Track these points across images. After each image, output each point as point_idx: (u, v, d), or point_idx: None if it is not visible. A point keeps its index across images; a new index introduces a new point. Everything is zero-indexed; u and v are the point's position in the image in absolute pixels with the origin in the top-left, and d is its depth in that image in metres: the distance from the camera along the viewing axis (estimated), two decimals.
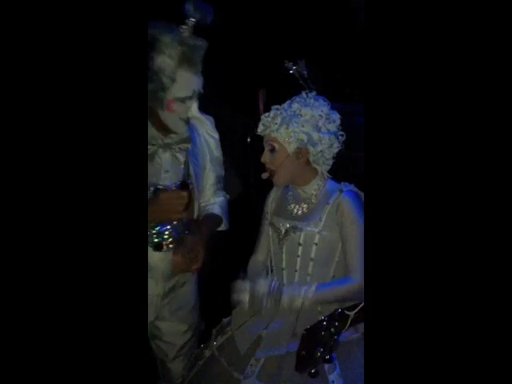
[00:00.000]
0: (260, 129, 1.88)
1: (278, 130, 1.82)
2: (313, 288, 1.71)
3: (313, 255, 1.83)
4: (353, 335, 1.74)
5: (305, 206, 1.89)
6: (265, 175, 1.90)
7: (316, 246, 1.82)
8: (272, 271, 1.96)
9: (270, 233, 1.95)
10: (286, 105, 1.86)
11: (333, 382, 1.67)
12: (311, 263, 1.84)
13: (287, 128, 1.80)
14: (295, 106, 1.83)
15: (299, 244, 1.84)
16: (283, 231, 1.89)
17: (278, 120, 1.83)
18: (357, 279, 1.73)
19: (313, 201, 1.88)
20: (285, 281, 1.89)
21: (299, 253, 1.84)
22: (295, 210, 1.90)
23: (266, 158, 1.87)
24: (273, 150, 1.85)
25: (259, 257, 2.03)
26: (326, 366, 1.68)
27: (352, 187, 1.86)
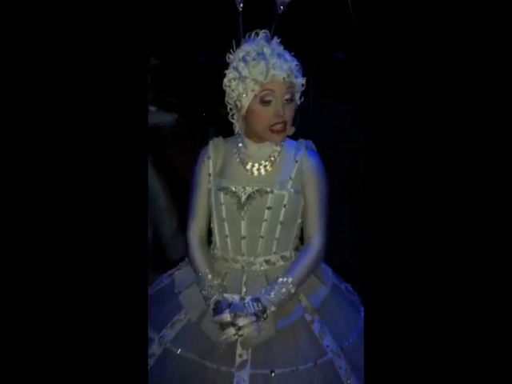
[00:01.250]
0: (282, 74, 1.60)
1: (297, 74, 1.64)
2: (289, 279, 1.61)
3: (282, 218, 1.68)
4: (321, 293, 1.71)
5: (267, 163, 1.71)
6: (276, 129, 1.64)
7: (285, 208, 1.68)
8: (218, 241, 1.75)
9: (221, 199, 1.71)
10: (274, 45, 1.65)
11: (327, 346, 1.64)
12: (279, 227, 1.69)
13: (299, 70, 1.65)
14: (275, 45, 1.65)
15: (268, 208, 1.67)
16: (244, 196, 1.68)
17: (293, 62, 1.64)
18: (320, 240, 1.69)
19: (276, 158, 1.71)
20: (244, 250, 1.70)
21: (266, 217, 1.68)
22: (255, 170, 1.71)
23: (284, 110, 1.62)
24: (292, 99, 1.63)
25: (200, 223, 1.77)
26: (317, 331, 1.64)
27: (312, 145, 1.75)
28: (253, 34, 1.66)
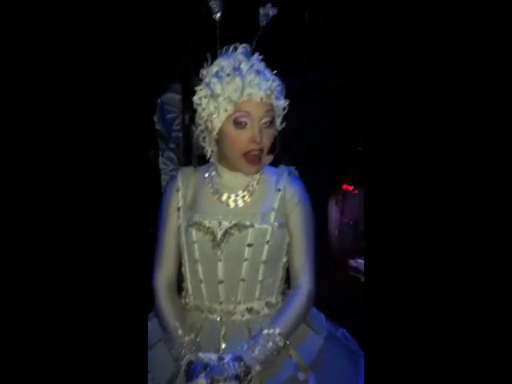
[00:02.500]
0: (260, 94, 1.37)
1: (278, 95, 1.41)
2: (276, 331, 1.36)
3: (265, 257, 1.43)
4: (314, 344, 1.45)
5: (245, 194, 1.46)
6: (250, 160, 1.41)
7: (268, 245, 1.43)
8: (190, 288, 1.49)
9: (193, 237, 1.45)
10: (253, 61, 1.41)
11: None
12: (262, 267, 1.44)
13: (281, 91, 1.42)
14: (255, 58, 1.42)
15: (248, 245, 1.42)
16: (220, 232, 1.42)
17: (274, 81, 1.40)
18: (309, 281, 1.45)
19: (255, 187, 1.47)
20: (222, 297, 1.44)
21: (247, 256, 1.42)
22: (232, 202, 1.46)
23: (261, 136, 1.39)
24: (271, 123, 1.41)
25: (168, 268, 1.51)
26: None
27: (295, 171, 1.52)
28: (231, 47, 1.44)
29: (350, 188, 3.45)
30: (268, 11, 1.44)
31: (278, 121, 1.46)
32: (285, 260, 1.49)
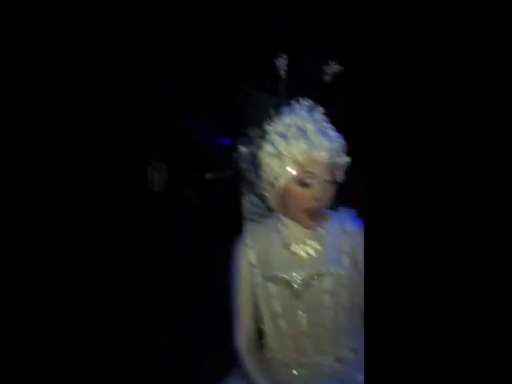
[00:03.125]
0: (325, 156, 1.38)
1: (342, 154, 1.41)
2: None
3: (345, 302, 1.42)
4: None
5: (315, 243, 1.44)
6: (314, 217, 1.41)
7: (347, 289, 1.43)
8: (272, 343, 1.46)
9: (272, 291, 1.44)
10: (317, 118, 1.41)
11: None
12: (345, 313, 1.42)
13: (343, 149, 1.42)
14: (318, 116, 1.41)
15: (328, 293, 1.41)
16: (299, 284, 1.42)
17: (340, 141, 1.41)
18: None
19: (322, 234, 1.45)
20: (309, 350, 1.42)
21: (328, 303, 1.41)
22: (303, 252, 1.45)
23: (327, 192, 1.40)
24: (332, 179, 1.40)
25: (247, 326, 1.49)
26: None
27: (355, 212, 1.49)
28: (293, 102, 1.44)
29: None
30: (332, 69, 1.44)
31: (340, 175, 1.44)
32: (357, 302, 1.44)
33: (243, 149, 2.78)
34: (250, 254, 1.49)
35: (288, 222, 1.46)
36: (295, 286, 1.42)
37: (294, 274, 1.43)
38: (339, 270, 1.42)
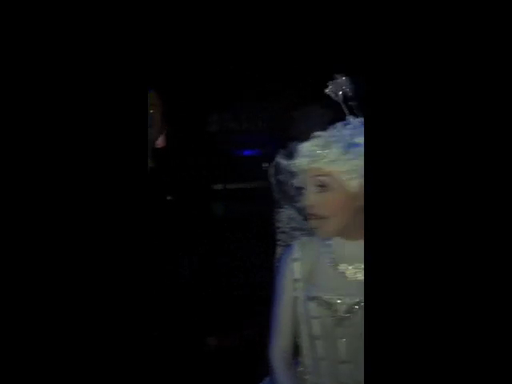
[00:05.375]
0: (302, 161, 1.37)
1: (335, 161, 1.33)
2: None
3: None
4: None
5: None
6: (314, 224, 1.37)
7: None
8: (308, 364, 1.42)
9: (313, 312, 1.38)
10: (335, 131, 1.37)
11: None
12: None
13: (350, 159, 1.32)
14: (347, 132, 1.35)
15: None
16: (343, 308, 1.35)
17: (336, 149, 1.33)
18: None
19: None
20: (345, 378, 1.36)
21: None
22: (351, 274, 1.38)
23: (313, 199, 1.36)
24: (323, 188, 1.34)
25: (284, 340, 1.45)
26: None
27: None
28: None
29: None
30: (342, 83, 1.40)
31: (346, 183, 1.35)
32: None
33: (282, 161, 2.75)
34: (296, 268, 1.44)
35: (336, 238, 1.41)
36: (339, 310, 1.35)
37: (339, 298, 1.36)
38: None
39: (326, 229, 1.36)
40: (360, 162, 1.28)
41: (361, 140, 1.30)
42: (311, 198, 1.36)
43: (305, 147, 1.37)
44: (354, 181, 1.32)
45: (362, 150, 1.26)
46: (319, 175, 1.34)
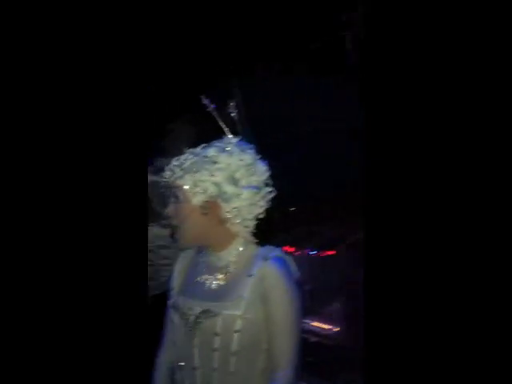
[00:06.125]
0: (167, 175, 1.48)
1: (183, 176, 1.43)
2: None
3: (235, 347, 1.38)
4: None
5: (221, 276, 1.44)
6: (166, 231, 1.54)
7: (238, 334, 1.38)
8: (177, 374, 1.47)
9: (172, 319, 1.47)
10: (200, 148, 1.47)
11: None
12: (233, 359, 1.38)
13: (194, 175, 1.42)
14: (211, 150, 1.45)
15: (216, 334, 1.38)
16: (192, 318, 1.41)
17: (186, 165, 1.44)
18: (288, 375, 1.37)
19: (230, 270, 1.43)
20: None
21: (216, 345, 1.38)
22: (208, 284, 1.45)
23: (170, 209, 1.49)
24: (177, 200, 1.46)
25: (166, 355, 1.53)
26: None
27: (279, 253, 1.45)
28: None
29: (292, 249, 3.39)
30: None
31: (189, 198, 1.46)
32: (265, 348, 1.41)
33: (152, 178, 2.74)
34: (177, 277, 1.53)
35: (208, 253, 1.49)
36: (189, 319, 1.42)
37: (190, 307, 1.43)
38: (233, 313, 1.38)
39: (181, 238, 1.48)
40: (210, 179, 1.40)
41: (222, 159, 1.42)
42: (169, 208, 1.49)
43: (172, 162, 1.48)
44: (198, 196, 1.42)
45: (217, 167, 1.40)
46: (174, 188, 1.46)
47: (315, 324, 3.23)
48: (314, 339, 3.18)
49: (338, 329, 3.22)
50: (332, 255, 3.54)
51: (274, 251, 1.46)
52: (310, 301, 3.08)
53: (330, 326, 3.24)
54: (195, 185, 1.42)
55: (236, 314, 1.38)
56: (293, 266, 1.45)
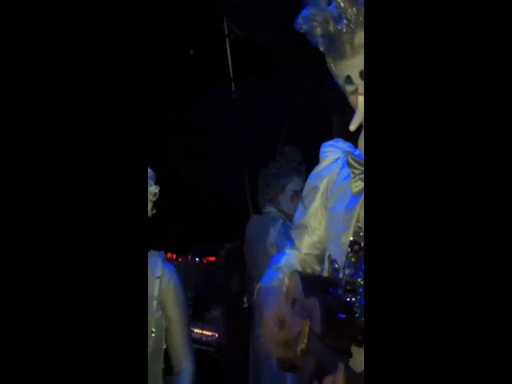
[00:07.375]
0: None
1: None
2: None
3: (150, 348, 1.36)
4: None
5: None
6: None
7: (153, 335, 1.40)
8: None
9: None
10: None
11: None
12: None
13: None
14: None
15: None
16: None
17: None
18: (193, 365, 1.45)
19: None
20: None
21: None
22: None
23: None
24: None
25: None
26: None
27: (164, 255, 1.53)
28: None
29: (173, 256, 3.41)
30: None
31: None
32: (164, 347, 1.44)
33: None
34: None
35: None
36: None
37: None
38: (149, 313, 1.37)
39: None
40: None
41: None
42: None
43: None
44: None
45: None
46: None
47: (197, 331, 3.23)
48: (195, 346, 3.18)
49: (217, 335, 3.25)
50: (212, 261, 3.59)
51: (162, 255, 1.51)
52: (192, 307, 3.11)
53: (211, 333, 3.26)
54: None
55: (150, 315, 1.38)
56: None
